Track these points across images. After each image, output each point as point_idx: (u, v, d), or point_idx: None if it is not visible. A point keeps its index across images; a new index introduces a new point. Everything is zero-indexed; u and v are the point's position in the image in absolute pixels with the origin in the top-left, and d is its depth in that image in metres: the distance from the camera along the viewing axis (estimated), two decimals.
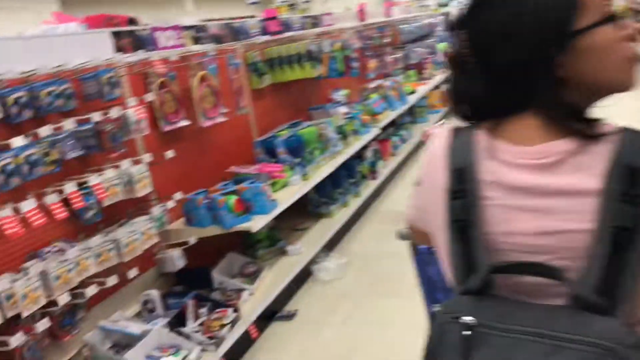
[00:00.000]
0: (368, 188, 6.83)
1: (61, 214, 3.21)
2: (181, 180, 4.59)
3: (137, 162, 3.93)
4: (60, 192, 3.29)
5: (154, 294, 4.12)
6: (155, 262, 4.34)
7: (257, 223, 4.34)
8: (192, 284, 4.44)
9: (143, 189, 3.91)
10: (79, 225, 3.67)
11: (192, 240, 4.30)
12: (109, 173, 3.64)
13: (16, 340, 2.91)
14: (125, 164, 3.79)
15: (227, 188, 4.51)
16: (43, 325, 3.09)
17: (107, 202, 3.67)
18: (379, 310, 4.54)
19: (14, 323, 3.05)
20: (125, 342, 3.71)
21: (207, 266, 4.58)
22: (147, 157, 4.02)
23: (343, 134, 6.30)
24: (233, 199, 4.34)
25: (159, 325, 3.77)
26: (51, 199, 3.17)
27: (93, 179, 3.47)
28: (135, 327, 3.73)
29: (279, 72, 6.09)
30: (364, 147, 6.87)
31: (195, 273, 4.49)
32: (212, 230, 4.32)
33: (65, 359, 3.44)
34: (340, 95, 7.35)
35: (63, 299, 3.23)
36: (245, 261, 4.85)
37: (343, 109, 6.87)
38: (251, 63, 5.77)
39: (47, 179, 3.38)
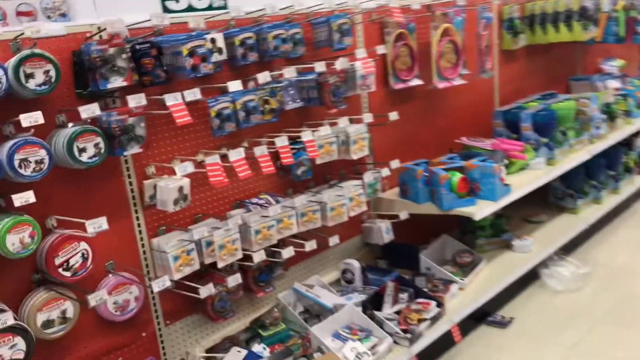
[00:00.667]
0: (631, 185, 5.48)
1: (269, 167, 3.00)
2: (401, 146, 4.11)
3: (357, 121, 3.56)
4: (272, 144, 3.07)
5: (355, 264, 3.80)
6: (361, 231, 4.00)
7: (481, 210, 3.66)
8: (396, 262, 4.02)
9: (359, 151, 3.54)
10: (287, 181, 3.48)
11: (404, 215, 3.82)
12: (325, 130, 3.32)
13: (206, 290, 2.83)
14: (344, 121, 3.43)
15: (453, 163, 3.88)
16: (235, 280, 2.96)
17: (319, 161, 3.39)
18: (620, 343, 3.56)
19: (210, 271, 2.99)
20: (316, 311, 3.48)
21: (416, 245, 4.09)
22: (368, 117, 3.61)
23: (610, 114, 5.08)
24: (457, 176, 3.71)
25: (353, 302, 3.44)
26: (261, 150, 2.97)
27: (307, 135, 3.18)
28: (328, 298, 3.46)
29: (538, 32, 5.10)
30: (635, 134, 5.50)
31: (402, 251, 4.04)
32: (427, 208, 3.78)
33: (254, 315, 3.34)
34: (613, 65, 5.99)
35: (259, 255, 3.07)
36: (461, 248, 4.23)
37: (614, 84, 5.56)
38: (507, 19, 4.91)
39: (262, 129, 3.21)
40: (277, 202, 3.28)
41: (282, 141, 3.05)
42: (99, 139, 2.39)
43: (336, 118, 3.41)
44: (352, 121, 3.52)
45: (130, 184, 2.78)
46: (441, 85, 4.16)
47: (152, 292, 2.90)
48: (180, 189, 2.68)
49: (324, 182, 3.68)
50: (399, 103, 4.05)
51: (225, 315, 3.07)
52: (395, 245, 3.97)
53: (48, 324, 2.44)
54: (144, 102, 2.51)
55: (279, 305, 3.44)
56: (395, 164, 3.80)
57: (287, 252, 3.22)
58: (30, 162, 2.21)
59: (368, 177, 3.75)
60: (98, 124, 2.44)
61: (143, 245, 2.86)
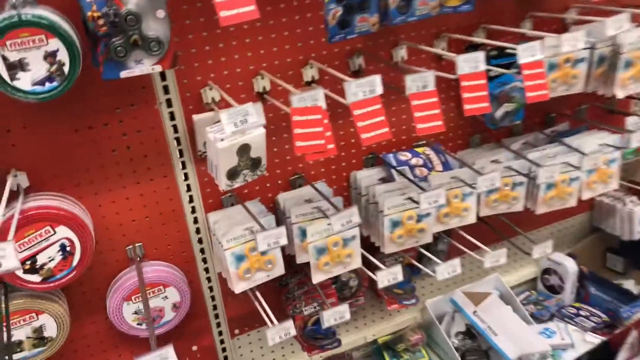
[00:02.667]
0: None
1: (432, 119, 1.49)
2: None
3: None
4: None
5: (568, 265, 2.24)
6: (589, 207, 2.34)
7: None
8: None
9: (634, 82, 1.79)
10: (471, 122, 1.93)
11: None
12: (569, 39, 1.62)
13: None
14: (617, 21, 1.67)
15: None
16: (343, 311, 1.66)
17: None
18: None
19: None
20: (485, 343, 2.09)
21: None
22: None
23: None
24: None
25: (558, 351, 1.97)
26: (422, 81, 1.45)
27: (529, 50, 1.54)
28: (508, 332, 2.02)
29: None
30: None
31: None
32: None
33: (379, 333, 2.07)
34: None
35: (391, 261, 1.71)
36: None
37: None
38: None
39: (431, 25, 1.65)
40: (445, 163, 1.80)
41: (472, 62, 1.46)
42: (54, 44, 1.11)
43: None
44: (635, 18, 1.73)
45: (172, 117, 1.51)
46: None
47: (211, 294, 1.77)
48: (244, 148, 1.34)
49: (542, 129, 2.04)
50: None
51: (323, 346, 1.84)
52: None
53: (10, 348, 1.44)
54: None
55: (421, 318, 2.11)
56: None
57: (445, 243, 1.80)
58: None
59: (633, 124, 2.00)
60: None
61: (196, 221, 1.67)
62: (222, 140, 1.30)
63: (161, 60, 1.20)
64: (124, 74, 1.18)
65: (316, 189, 1.58)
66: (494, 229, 1.98)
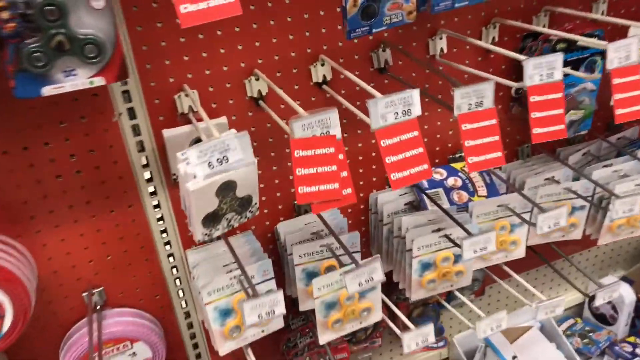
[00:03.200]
0: None
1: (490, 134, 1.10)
2: None
3: None
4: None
5: (625, 293, 1.89)
6: None
7: None
8: None
9: None
10: (523, 128, 1.54)
11: None
12: None
13: None
14: None
15: None
16: None
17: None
18: None
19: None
20: None
21: None
22: None
23: None
24: None
25: None
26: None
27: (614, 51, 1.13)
28: None
29: None
30: None
31: None
32: None
33: None
34: None
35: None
36: None
37: None
38: None
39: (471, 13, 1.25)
40: (490, 184, 1.42)
41: (545, 68, 1.06)
42: None
43: None
44: None
45: (136, 131, 1.14)
46: None
47: (194, 342, 1.43)
48: (228, 186, 0.96)
49: (607, 136, 1.65)
50: None
51: None
52: None
53: None
54: None
55: (447, 354, 1.78)
56: None
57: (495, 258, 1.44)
58: None
59: None
60: None
61: (172, 258, 1.31)
62: (195, 176, 0.92)
63: (103, 69, 0.82)
64: (47, 91, 0.81)
65: (326, 225, 1.21)
66: (545, 260, 1.62)
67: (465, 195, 1.40)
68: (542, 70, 1.04)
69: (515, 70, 1.44)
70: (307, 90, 1.25)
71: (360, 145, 1.38)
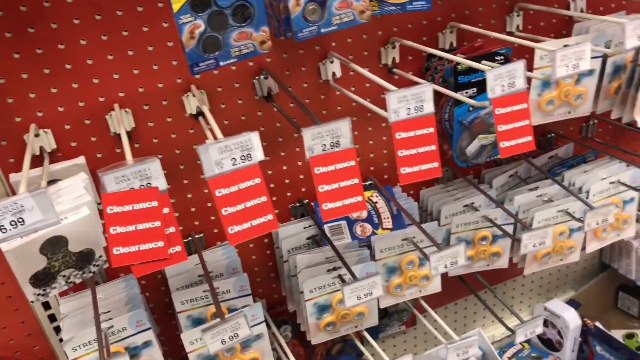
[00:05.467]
0: None
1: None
2: None
3: None
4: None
5: (569, 319, 1.77)
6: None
7: None
8: None
9: None
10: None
11: None
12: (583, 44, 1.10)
13: None
14: None
15: None
16: None
17: (540, 120, 1.25)
18: None
19: None
20: None
21: None
22: None
23: None
24: None
25: None
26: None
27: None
28: None
29: None
30: None
31: None
32: None
33: None
34: None
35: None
36: None
37: None
38: None
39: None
40: (396, 215, 1.32)
41: (507, 78, 0.99)
42: None
43: None
44: None
45: None
46: None
47: None
48: (55, 242, 0.86)
49: (537, 155, 1.54)
50: None
51: None
52: None
53: None
54: None
55: None
56: None
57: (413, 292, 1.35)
58: None
59: None
60: None
61: (48, 307, 1.22)
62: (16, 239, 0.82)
63: None
64: None
65: (204, 268, 1.10)
66: (472, 290, 1.52)
67: (369, 229, 1.30)
68: (504, 81, 0.95)
69: None
70: (181, 122, 1.15)
71: (269, 172, 1.28)
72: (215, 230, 1.31)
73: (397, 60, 1.27)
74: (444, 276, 1.46)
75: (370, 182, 1.40)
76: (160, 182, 0.79)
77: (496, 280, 1.83)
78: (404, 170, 0.91)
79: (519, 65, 0.94)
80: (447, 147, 1.32)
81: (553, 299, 1.83)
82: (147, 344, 1.13)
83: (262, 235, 1.33)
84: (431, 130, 0.92)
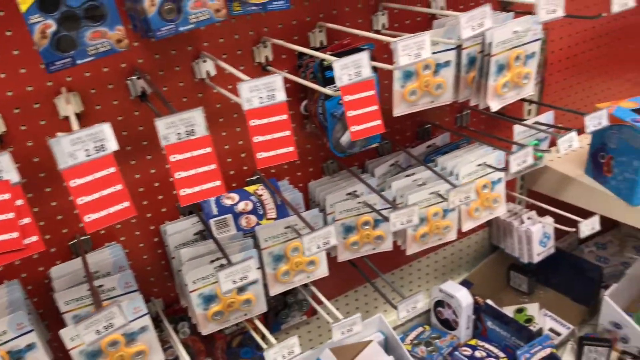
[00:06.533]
0: None
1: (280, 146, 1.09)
2: (606, 63, 1.86)
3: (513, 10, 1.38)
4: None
5: (462, 299, 1.90)
6: (486, 223, 2.01)
7: None
8: (552, 282, 2.07)
9: (513, 91, 1.42)
10: (318, 148, 1.53)
11: (588, 225, 1.73)
12: (419, 39, 1.21)
13: None
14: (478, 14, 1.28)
15: None
16: None
17: (401, 111, 1.36)
18: None
19: None
20: None
21: (599, 265, 2.02)
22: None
23: None
24: None
25: None
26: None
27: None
28: None
29: None
30: None
31: (568, 266, 2.05)
32: None
33: None
34: None
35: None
36: None
37: None
38: None
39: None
40: (280, 205, 1.38)
41: (353, 67, 1.07)
42: None
43: None
44: (505, 5, 1.36)
45: None
46: None
47: None
48: None
49: (417, 144, 1.66)
50: None
51: None
52: (554, 255, 1.97)
53: None
54: None
55: None
56: (599, 114, 1.60)
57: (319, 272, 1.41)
58: None
59: (521, 133, 1.65)
60: None
61: None
62: None
63: None
64: None
65: (86, 269, 1.12)
66: (364, 275, 1.60)
67: (253, 220, 1.36)
68: (350, 70, 1.03)
69: (305, 88, 1.42)
70: (56, 125, 1.17)
71: (137, 176, 1.32)
72: (102, 232, 1.33)
73: (271, 58, 1.34)
74: (342, 264, 1.55)
75: (257, 176, 1.46)
76: (12, 175, 0.82)
77: (394, 266, 1.93)
78: (260, 155, 0.98)
79: (363, 56, 1.03)
80: (325, 139, 1.41)
81: (448, 281, 1.95)
82: (30, 346, 1.14)
83: (150, 234, 1.37)
84: (284, 117, 0.99)
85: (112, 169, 0.87)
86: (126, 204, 0.88)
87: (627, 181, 1.67)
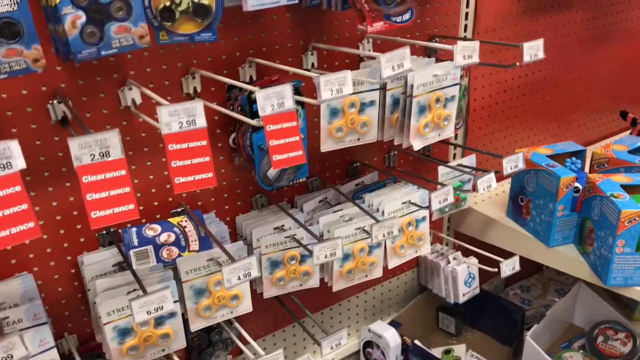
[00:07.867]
0: None
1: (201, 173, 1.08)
2: (528, 111, 1.99)
3: (438, 57, 1.46)
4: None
5: (390, 339, 1.90)
6: (415, 262, 2.04)
7: None
8: (478, 323, 2.10)
9: (436, 124, 1.48)
10: (247, 181, 1.53)
11: (509, 265, 1.79)
12: (345, 76, 1.26)
13: None
14: (399, 55, 1.34)
15: None
16: None
17: (328, 147, 1.39)
18: None
19: None
20: None
21: (521, 307, 2.09)
22: (467, 49, 1.48)
23: None
24: None
25: None
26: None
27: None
28: None
29: None
30: None
31: (492, 307, 2.10)
32: (566, 261, 1.73)
33: None
34: None
35: None
36: (610, 318, 2.17)
37: None
38: None
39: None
40: (204, 237, 1.36)
41: (275, 98, 1.10)
42: None
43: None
44: (430, 52, 1.43)
45: None
46: None
47: None
48: None
49: (347, 182, 1.69)
50: (537, 17, 1.85)
51: None
52: (480, 296, 2.01)
53: None
54: None
55: None
56: (516, 157, 1.68)
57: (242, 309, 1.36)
58: None
59: (445, 174, 1.71)
60: None
61: None
62: None
63: None
64: None
65: None
66: (290, 311, 1.58)
67: (175, 252, 1.33)
68: (273, 101, 1.05)
69: (234, 122, 1.43)
70: None
71: (54, 204, 1.27)
72: (13, 261, 1.26)
73: (199, 90, 1.35)
74: (270, 302, 1.53)
75: (181, 208, 1.44)
76: None
77: (324, 305, 1.92)
78: (178, 180, 0.97)
79: (286, 87, 1.06)
80: (253, 172, 1.41)
81: (377, 321, 1.96)
82: None
83: (66, 265, 1.32)
84: (204, 143, 0.99)
85: (17, 188, 0.84)
86: (31, 224, 0.84)
87: (544, 223, 1.76)
